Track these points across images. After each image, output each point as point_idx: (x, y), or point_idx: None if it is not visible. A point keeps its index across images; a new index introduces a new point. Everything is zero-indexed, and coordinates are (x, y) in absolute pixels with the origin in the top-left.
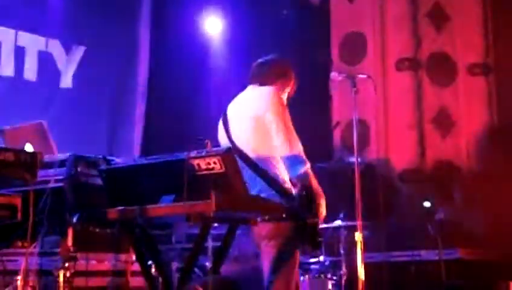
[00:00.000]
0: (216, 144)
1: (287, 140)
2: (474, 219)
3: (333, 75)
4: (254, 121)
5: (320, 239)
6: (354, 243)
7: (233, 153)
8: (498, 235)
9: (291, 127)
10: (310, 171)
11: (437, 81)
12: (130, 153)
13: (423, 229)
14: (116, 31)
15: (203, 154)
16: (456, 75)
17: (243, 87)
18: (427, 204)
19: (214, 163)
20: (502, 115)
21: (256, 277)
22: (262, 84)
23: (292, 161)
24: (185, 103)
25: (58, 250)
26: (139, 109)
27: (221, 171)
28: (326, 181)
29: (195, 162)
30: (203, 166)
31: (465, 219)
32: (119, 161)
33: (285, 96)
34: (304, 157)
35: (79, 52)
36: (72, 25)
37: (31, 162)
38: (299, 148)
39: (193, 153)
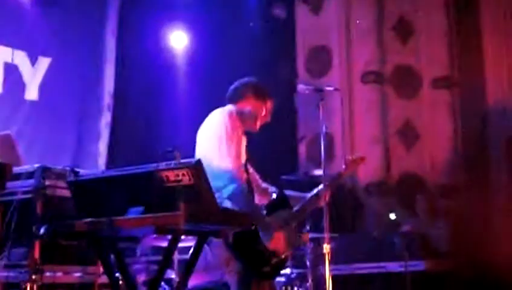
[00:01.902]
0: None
1: (221, 157)
2: (440, 231)
3: (300, 87)
4: (207, 140)
5: (265, 269)
6: (320, 256)
7: (202, 165)
8: (463, 247)
9: (231, 146)
10: (242, 191)
11: (402, 94)
12: (96, 164)
13: (389, 242)
14: (81, 43)
15: (172, 166)
16: (420, 88)
17: (208, 100)
18: (392, 216)
19: (183, 175)
20: (466, 127)
21: (223, 288)
22: (230, 104)
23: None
24: (151, 114)
25: (25, 262)
26: (105, 120)
27: (190, 183)
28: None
29: (164, 174)
30: (172, 178)
31: (430, 231)
32: (87, 172)
33: (252, 116)
34: (234, 176)
35: (44, 63)
36: (38, 36)
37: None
38: (229, 167)
39: (162, 165)
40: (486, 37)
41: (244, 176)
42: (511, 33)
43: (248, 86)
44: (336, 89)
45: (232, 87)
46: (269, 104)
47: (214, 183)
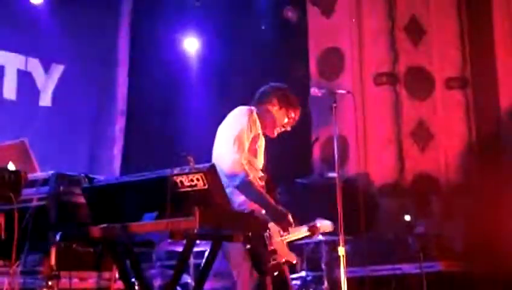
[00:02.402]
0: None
1: (231, 153)
2: (454, 231)
3: (313, 90)
4: (223, 136)
5: (263, 268)
6: (335, 258)
7: (216, 169)
8: (478, 247)
9: (244, 143)
10: (248, 182)
11: (415, 95)
12: (110, 170)
13: (404, 243)
14: (94, 49)
15: (186, 171)
16: (433, 88)
17: (221, 104)
18: (407, 218)
19: (197, 180)
20: (480, 127)
21: None
22: (255, 104)
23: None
24: (164, 120)
25: (41, 269)
26: (119, 127)
27: (204, 187)
28: (307, 196)
29: (178, 179)
30: (186, 183)
31: (445, 232)
32: (101, 178)
33: (272, 121)
34: (238, 169)
35: (58, 70)
36: (51, 44)
37: (15, 181)
38: (237, 162)
39: (176, 170)
40: (498, 36)
41: (264, 176)
42: None
43: (275, 91)
44: (348, 92)
45: (261, 88)
46: (293, 114)
47: (224, 178)
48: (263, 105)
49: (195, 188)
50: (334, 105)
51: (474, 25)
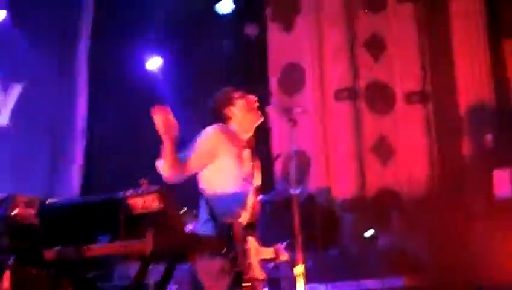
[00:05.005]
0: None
1: None
2: (417, 246)
3: (269, 109)
4: None
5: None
6: (297, 276)
7: (170, 190)
8: (440, 262)
9: (195, 153)
10: None
11: (376, 110)
12: (71, 191)
13: (366, 258)
14: (54, 68)
15: (140, 192)
16: (394, 103)
17: (182, 120)
18: (369, 233)
19: (152, 201)
20: (441, 141)
21: None
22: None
23: None
24: (126, 139)
25: None
26: (79, 147)
27: (158, 209)
28: (269, 213)
29: (132, 200)
30: (140, 204)
31: (407, 247)
32: (56, 200)
33: (241, 110)
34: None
35: (16, 89)
36: (10, 63)
37: None
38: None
39: (130, 192)
40: (458, 50)
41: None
42: (482, 44)
43: (215, 104)
44: (304, 110)
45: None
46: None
47: None
48: (221, 117)
49: (149, 210)
50: (291, 123)
51: (434, 40)
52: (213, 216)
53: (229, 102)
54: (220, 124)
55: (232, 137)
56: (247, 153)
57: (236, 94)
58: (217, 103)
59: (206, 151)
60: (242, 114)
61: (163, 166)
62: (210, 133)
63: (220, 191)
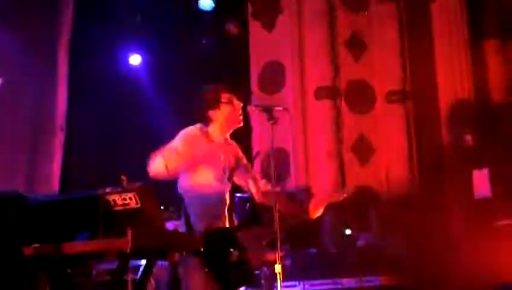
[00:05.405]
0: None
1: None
2: (395, 245)
3: (249, 108)
4: None
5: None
6: (274, 274)
7: (149, 188)
8: (419, 261)
9: (170, 149)
10: None
11: (355, 108)
12: (50, 187)
13: (344, 257)
14: (33, 63)
15: (118, 190)
16: (374, 102)
17: (162, 119)
18: (347, 231)
19: (130, 199)
20: (420, 140)
21: None
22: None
23: None
24: (106, 134)
25: None
26: (58, 142)
27: (137, 206)
28: (249, 212)
29: (111, 198)
30: (119, 202)
31: (386, 246)
32: (34, 197)
33: (225, 115)
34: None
35: None
36: None
37: None
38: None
39: (108, 189)
40: (438, 50)
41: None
42: (463, 45)
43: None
44: (284, 109)
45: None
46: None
47: None
48: (204, 117)
49: (127, 207)
50: (271, 122)
51: (415, 39)
52: (189, 225)
53: (215, 105)
54: (199, 125)
55: (207, 140)
56: (222, 156)
57: (224, 97)
58: (203, 103)
59: (186, 152)
60: (225, 119)
61: (159, 161)
62: (187, 135)
63: (196, 197)
